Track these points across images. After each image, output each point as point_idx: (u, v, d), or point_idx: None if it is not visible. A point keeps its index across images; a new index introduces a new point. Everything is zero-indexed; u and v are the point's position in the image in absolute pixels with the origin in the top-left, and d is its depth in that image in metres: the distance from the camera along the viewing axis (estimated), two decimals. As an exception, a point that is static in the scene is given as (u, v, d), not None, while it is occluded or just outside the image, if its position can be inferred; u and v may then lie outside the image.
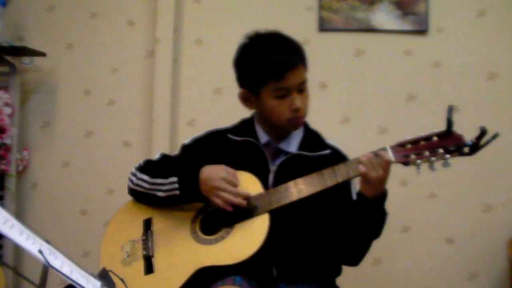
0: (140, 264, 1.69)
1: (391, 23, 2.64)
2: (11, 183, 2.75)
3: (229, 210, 1.60)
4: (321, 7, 2.67)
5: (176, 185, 1.65)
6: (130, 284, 1.59)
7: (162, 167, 1.75)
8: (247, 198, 1.60)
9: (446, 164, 1.52)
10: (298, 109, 1.65)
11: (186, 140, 1.83)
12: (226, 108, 2.69)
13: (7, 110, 2.67)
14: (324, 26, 2.68)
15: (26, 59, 2.83)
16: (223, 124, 1.83)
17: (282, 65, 1.61)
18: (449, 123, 1.51)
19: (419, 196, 2.61)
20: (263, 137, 1.73)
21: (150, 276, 1.66)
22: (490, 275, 2.57)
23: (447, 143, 1.52)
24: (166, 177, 1.68)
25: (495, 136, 1.48)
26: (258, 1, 2.76)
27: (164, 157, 1.82)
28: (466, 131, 1.55)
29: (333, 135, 1.83)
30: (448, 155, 1.52)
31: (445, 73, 2.63)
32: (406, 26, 2.64)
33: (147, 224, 1.75)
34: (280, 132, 1.72)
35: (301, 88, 1.66)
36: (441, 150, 1.53)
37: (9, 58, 2.73)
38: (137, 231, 1.74)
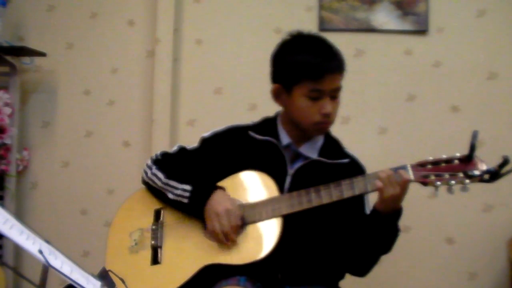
0: (147, 254, 1.68)
1: (391, 23, 2.64)
2: (11, 183, 2.75)
3: (212, 240, 1.61)
4: (321, 7, 2.67)
5: (188, 193, 1.65)
6: (135, 272, 1.60)
7: (180, 168, 1.74)
8: (232, 241, 1.59)
9: (464, 189, 1.52)
10: (327, 114, 1.64)
11: (206, 133, 1.81)
12: (226, 108, 2.69)
13: (7, 110, 2.67)
14: (324, 26, 2.67)
15: (26, 59, 2.83)
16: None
17: (322, 67, 1.61)
18: (472, 148, 1.49)
19: (419, 196, 2.60)
20: (284, 139, 1.72)
21: (156, 267, 1.66)
22: (490, 275, 2.57)
23: (467, 168, 1.51)
24: (181, 181, 1.68)
25: None
26: (258, 1, 2.76)
27: (182, 151, 1.80)
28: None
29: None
30: (468, 181, 1.51)
31: (445, 73, 2.62)
32: (406, 26, 2.63)
33: (158, 214, 1.74)
34: (303, 134, 1.71)
35: (334, 95, 1.66)
36: (461, 174, 1.52)
37: (9, 58, 2.73)
38: (147, 220, 1.74)
